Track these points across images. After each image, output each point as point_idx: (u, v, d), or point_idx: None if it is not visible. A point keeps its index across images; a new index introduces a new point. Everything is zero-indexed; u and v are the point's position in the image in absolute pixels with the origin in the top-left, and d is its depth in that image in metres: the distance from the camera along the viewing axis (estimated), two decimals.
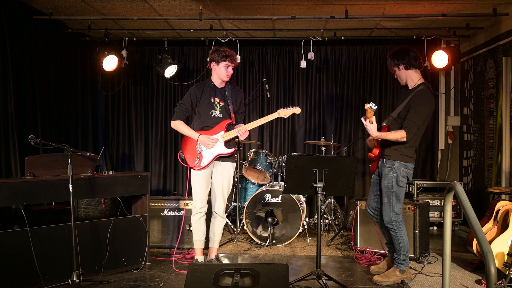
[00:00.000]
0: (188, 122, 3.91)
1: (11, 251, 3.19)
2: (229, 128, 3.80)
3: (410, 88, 3.55)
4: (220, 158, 3.79)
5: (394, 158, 3.48)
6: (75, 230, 3.29)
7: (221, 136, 3.76)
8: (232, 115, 3.82)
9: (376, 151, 3.58)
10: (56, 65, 5.22)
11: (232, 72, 3.82)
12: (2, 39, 4.29)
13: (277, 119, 6.23)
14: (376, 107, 3.29)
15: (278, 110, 3.79)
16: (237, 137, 3.76)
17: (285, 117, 3.82)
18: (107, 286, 3.45)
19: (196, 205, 3.82)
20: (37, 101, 4.80)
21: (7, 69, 4.34)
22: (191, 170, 3.82)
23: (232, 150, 3.80)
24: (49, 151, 3.61)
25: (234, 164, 3.95)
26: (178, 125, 3.84)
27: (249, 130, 3.78)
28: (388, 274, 3.58)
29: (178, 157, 3.87)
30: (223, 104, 3.82)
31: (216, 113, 3.80)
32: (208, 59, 3.87)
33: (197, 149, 3.77)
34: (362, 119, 3.40)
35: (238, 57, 5.68)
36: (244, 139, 3.97)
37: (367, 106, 3.27)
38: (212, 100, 3.80)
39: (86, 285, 3.43)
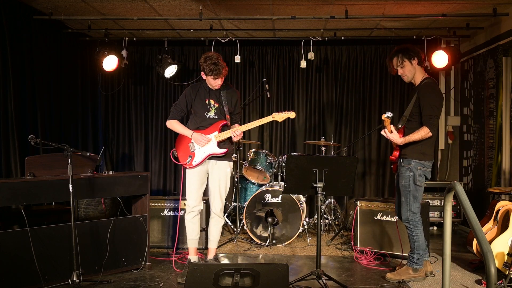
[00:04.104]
0: (183, 122, 3.90)
1: (11, 251, 3.19)
2: (223, 128, 3.80)
3: (416, 84, 3.58)
4: (216, 157, 3.79)
5: (410, 157, 3.48)
6: (75, 230, 3.29)
7: (215, 136, 3.76)
8: (227, 116, 3.82)
9: (396, 153, 3.59)
10: (56, 65, 5.22)
11: (220, 83, 3.75)
12: (2, 39, 4.29)
13: None
14: (392, 114, 3.30)
15: (273, 114, 3.79)
16: (230, 138, 3.76)
17: (280, 121, 3.84)
18: (107, 286, 3.45)
19: (190, 204, 3.82)
20: (37, 101, 4.79)
21: (7, 69, 4.34)
22: (185, 169, 3.83)
23: (224, 150, 3.79)
24: (49, 151, 3.60)
25: (231, 163, 3.94)
26: (173, 124, 3.85)
27: (243, 132, 3.78)
28: (401, 272, 3.59)
29: (171, 154, 3.88)
30: (218, 105, 3.81)
31: (211, 114, 3.79)
32: None
33: (190, 147, 3.78)
34: (382, 132, 3.44)
35: (239, 57, 5.70)
36: (242, 139, 3.97)
37: (384, 116, 3.29)
38: (207, 101, 3.79)
39: (86, 285, 3.43)
